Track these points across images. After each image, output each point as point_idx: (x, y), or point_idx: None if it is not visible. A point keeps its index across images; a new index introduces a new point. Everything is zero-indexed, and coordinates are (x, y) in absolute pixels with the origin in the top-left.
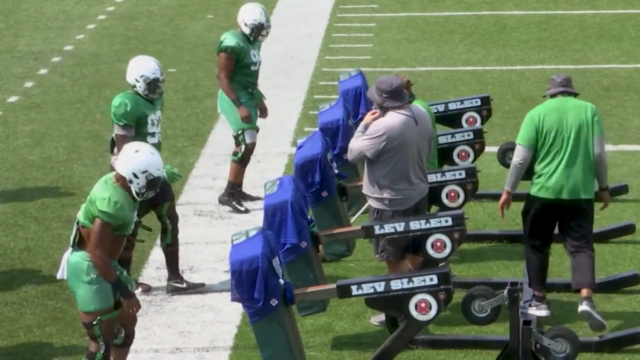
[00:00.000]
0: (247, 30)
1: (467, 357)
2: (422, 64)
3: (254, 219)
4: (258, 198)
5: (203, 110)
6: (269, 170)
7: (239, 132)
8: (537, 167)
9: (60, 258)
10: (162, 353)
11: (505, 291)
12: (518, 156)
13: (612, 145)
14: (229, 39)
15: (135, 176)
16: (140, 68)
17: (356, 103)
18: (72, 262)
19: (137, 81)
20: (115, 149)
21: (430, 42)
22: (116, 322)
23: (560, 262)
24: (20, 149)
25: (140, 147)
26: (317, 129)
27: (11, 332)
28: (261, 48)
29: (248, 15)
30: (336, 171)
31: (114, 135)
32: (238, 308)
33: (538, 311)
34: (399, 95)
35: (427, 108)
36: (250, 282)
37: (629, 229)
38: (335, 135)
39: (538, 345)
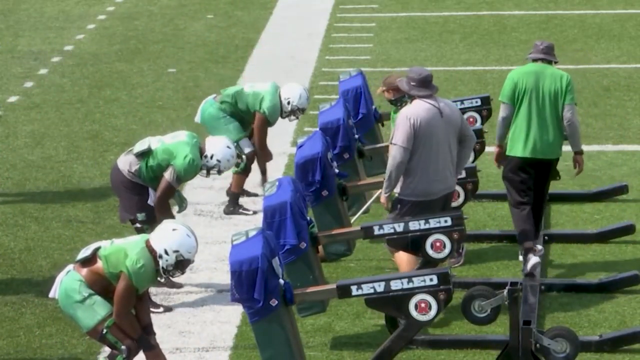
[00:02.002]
0: (286, 108)
1: (467, 357)
2: (422, 64)
3: (254, 218)
4: (255, 195)
5: None
6: (269, 170)
7: (234, 145)
8: (512, 127)
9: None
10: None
11: (505, 291)
12: (502, 112)
13: (612, 145)
14: (268, 103)
15: (166, 253)
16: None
17: (356, 103)
18: (65, 287)
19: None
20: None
21: (430, 42)
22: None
23: (560, 262)
24: (20, 149)
25: (178, 227)
26: (317, 129)
27: (11, 332)
28: (260, 48)
29: (295, 97)
30: (336, 170)
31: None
32: (238, 308)
33: (529, 262)
34: (426, 85)
35: None
36: (250, 282)
37: (629, 230)
38: (336, 134)
39: (538, 345)
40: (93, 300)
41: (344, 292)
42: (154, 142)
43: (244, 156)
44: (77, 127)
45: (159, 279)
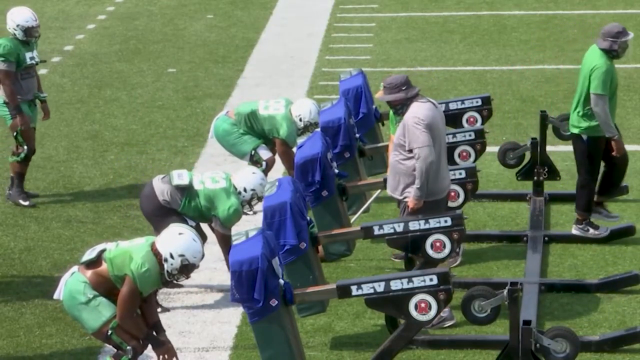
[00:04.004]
0: (299, 125)
1: (467, 357)
2: (422, 64)
3: (254, 218)
4: None
5: (203, 110)
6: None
7: (252, 153)
8: (587, 109)
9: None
10: None
11: (505, 291)
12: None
13: None
14: (286, 130)
15: (172, 257)
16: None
17: (357, 102)
18: (69, 289)
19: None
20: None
21: (430, 42)
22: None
23: (560, 262)
24: None
25: (184, 231)
26: (317, 129)
27: (11, 332)
28: (260, 48)
29: (306, 114)
30: (336, 170)
31: None
32: (238, 308)
33: (596, 231)
34: (412, 85)
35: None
36: (250, 282)
37: (629, 231)
38: (336, 134)
39: (538, 345)
40: (98, 302)
41: (344, 292)
42: (196, 181)
43: (263, 162)
44: (77, 127)
45: (162, 283)
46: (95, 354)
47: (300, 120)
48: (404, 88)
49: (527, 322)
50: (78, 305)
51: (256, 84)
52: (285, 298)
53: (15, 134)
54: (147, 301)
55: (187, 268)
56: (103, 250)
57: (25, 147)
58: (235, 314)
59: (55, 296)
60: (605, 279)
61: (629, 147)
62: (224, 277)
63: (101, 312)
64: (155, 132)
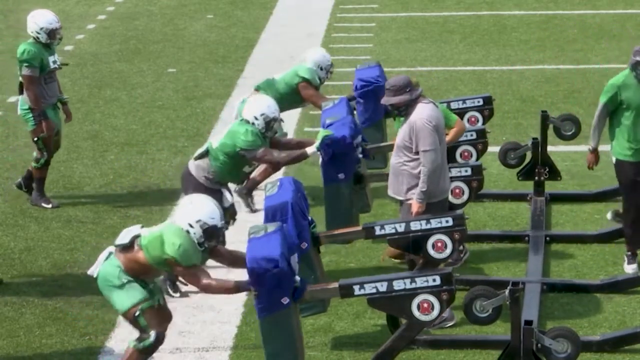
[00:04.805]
0: (321, 74)
1: (467, 357)
2: (422, 64)
3: (253, 218)
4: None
5: (203, 110)
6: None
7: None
8: (627, 134)
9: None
10: (162, 353)
11: (507, 291)
12: None
13: None
14: (305, 70)
15: (191, 226)
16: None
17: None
18: (104, 271)
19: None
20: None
21: (430, 42)
22: (161, 313)
23: (560, 262)
24: (20, 149)
25: (193, 199)
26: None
27: (11, 332)
28: (260, 48)
29: (324, 61)
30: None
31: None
32: (238, 308)
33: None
34: (413, 85)
35: (443, 109)
36: (270, 282)
37: None
38: None
39: (539, 345)
40: (131, 286)
41: (346, 291)
42: (214, 142)
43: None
44: (77, 127)
45: (204, 255)
46: (95, 354)
47: (322, 69)
48: (407, 90)
49: (528, 322)
50: (111, 287)
51: (256, 83)
52: (294, 295)
53: (36, 139)
54: (216, 253)
55: (210, 233)
56: (137, 236)
57: (45, 153)
58: (235, 314)
59: (90, 272)
60: (607, 279)
61: None
62: (224, 277)
63: (132, 294)
64: (155, 132)
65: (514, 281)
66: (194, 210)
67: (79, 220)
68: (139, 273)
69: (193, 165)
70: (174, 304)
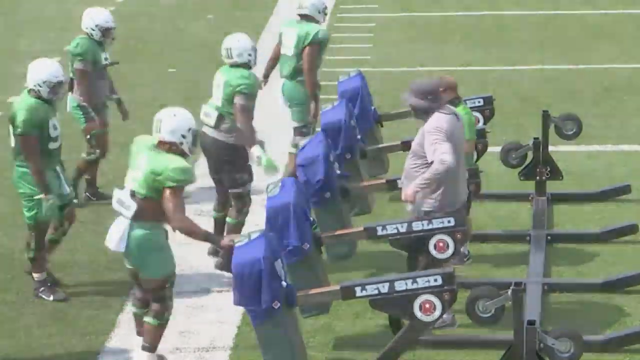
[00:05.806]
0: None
1: (467, 357)
2: (422, 64)
3: (253, 218)
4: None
5: None
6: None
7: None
8: None
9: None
10: (162, 353)
11: (509, 291)
12: None
13: (612, 145)
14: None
15: (184, 137)
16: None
17: (354, 104)
18: (137, 235)
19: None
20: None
21: (430, 42)
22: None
23: (560, 262)
24: None
25: (176, 111)
26: (319, 129)
27: (11, 332)
28: (260, 48)
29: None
30: (338, 172)
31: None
32: (238, 308)
33: None
34: (439, 93)
35: (468, 112)
36: (253, 285)
37: (632, 230)
38: (338, 135)
39: (542, 345)
40: (169, 254)
41: (347, 293)
42: (215, 102)
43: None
44: (77, 127)
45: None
46: (95, 353)
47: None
48: (429, 97)
49: (531, 322)
50: (150, 252)
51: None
52: (288, 300)
53: (89, 137)
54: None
55: (196, 136)
56: (132, 195)
57: (97, 151)
58: (235, 314)
59: (114, 247)
60: (609, 278)
61: (629, 147)
62: (224, 278)
63: (165, 265)
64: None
65: (517, 281)
66: (183, 121)
67: (79, 220)
68: (160, 214)
69: (216, 133)
70: (174, 303)
